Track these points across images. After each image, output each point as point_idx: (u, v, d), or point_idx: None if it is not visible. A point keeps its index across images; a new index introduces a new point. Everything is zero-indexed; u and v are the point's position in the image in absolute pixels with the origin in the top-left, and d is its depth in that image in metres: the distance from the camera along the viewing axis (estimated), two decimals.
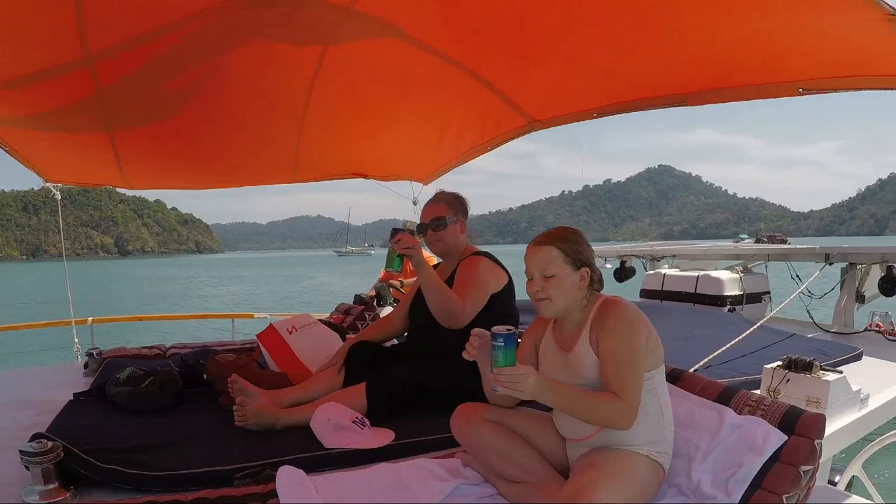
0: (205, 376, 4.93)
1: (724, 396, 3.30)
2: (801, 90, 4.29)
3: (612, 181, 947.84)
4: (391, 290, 8.21)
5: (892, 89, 3.92)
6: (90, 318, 9.60)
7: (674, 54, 4.62)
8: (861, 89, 4.08)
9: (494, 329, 2.78)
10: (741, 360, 5.34)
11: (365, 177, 8.72)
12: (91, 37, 4.65)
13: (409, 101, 6.62)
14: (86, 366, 6.18)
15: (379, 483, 3.09)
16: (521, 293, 4.21)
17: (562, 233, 3.00)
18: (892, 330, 8.45)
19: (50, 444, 3.20)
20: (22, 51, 4.78)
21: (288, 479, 2.99)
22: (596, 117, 5.91)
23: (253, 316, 11.22)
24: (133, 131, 6.40)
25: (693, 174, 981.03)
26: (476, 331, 3.02)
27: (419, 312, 4.62)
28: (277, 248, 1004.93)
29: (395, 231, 4.39)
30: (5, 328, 11.28)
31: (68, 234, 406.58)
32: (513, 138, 6.96)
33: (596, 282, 3.00)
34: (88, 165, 7.54)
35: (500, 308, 4.46)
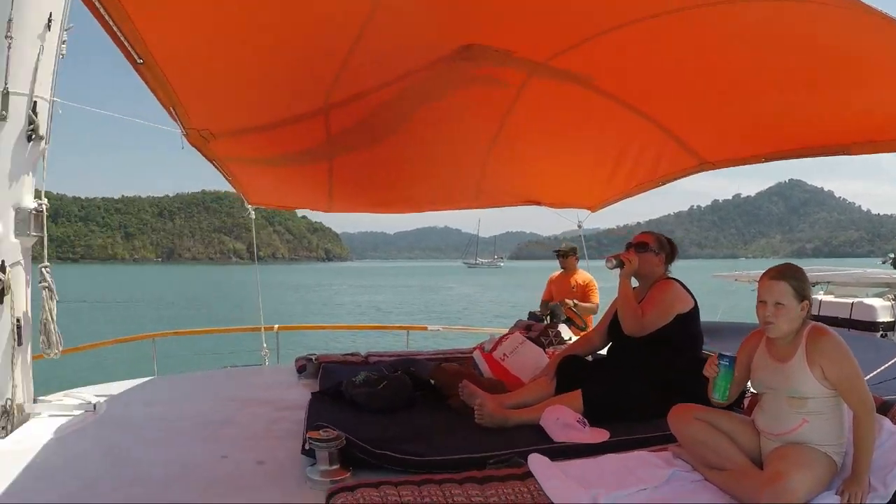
0: (432, 381, 5.70)
1: (883, 408, 4.00)
2: None
3: (742, 196, 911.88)
4: (564, 308, 8.61)
5: None
6: (276, 326, 10.45)
7: (846, 104, 5.03)
8: None
9: (721, 352, 3.68)
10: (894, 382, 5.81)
11: (539, 204, 9.36)
12: (337, 89, 5.42)
13: (586, 139, 7.21)
14: (301, 369, 6.92)
15: (610, 468, 3.81)
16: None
17: (791, 270, 3.71)
18: None
19: (334, 432, 3.99)
20: (279, 100, 5.60)
21: (539, 463, 3.72)
22: (764, 161, 6.32)
23: (426, 328, 12.00)
24: (349, 167, 7.18)
25: (825, 189, 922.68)
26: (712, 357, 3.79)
27: (618, 331, 5.36)
28: (405, 257, 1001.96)
29: (628, 245, 5.42)
30: (195, 332, 12.32)
31: (202, 239, 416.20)
32: (682, 176, 7.43)
33: (810, 312, 3.69)
34: (298, 195, 8.35)
35: (689, 327, 5.21)
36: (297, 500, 3.71)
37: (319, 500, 3.47)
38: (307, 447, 4.04)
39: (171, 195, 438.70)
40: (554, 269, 9.77)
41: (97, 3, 3.26)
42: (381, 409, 5.11)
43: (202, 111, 5.30)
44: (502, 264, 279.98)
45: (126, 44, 3.72)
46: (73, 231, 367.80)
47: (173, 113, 5.00)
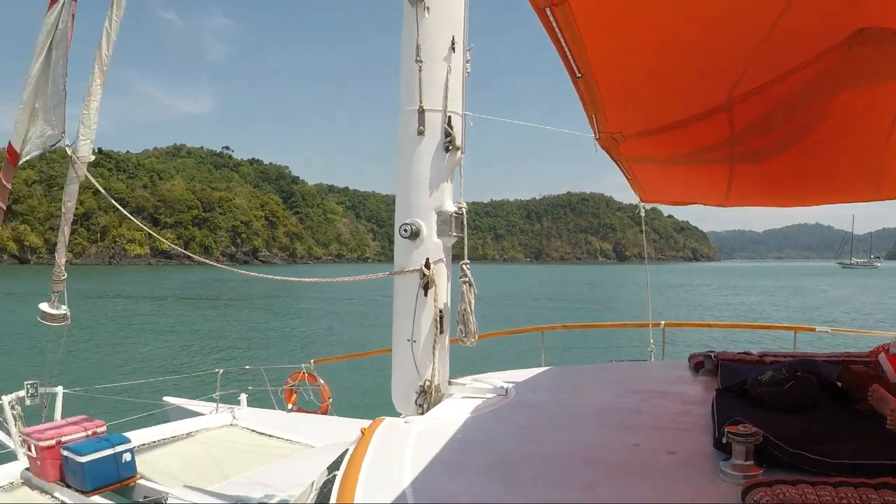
0: (838, 383, 5.60)
1: None
2: None
3: None
4: None
5: None
6: (663, 322, 10.81)
7: None
8: None
9: None
10: None
11: None
12: (742, 83, 5.50)
13: None
14: (698, 365, 6.99)
15: None
16: None
17: None
18: None
19: (752, 428, 4.04)
20: (687, 98, 5.79)
21: None
22: None
23: (814, 329, 11.72)
24: (749, 165, 7.21)
25: None
26: None
27: None
28: (773, 257, 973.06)
29: None
30: (584, 326, 12.87)
31: (569, 240, 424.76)
32: None
33: None
34: (694, 191, 8.50)
35: None
36: (710, 491, 3.80)
37: (732, 494, 3.58)
38: (724, 441, 4.11)
39: (537, 198, 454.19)
40: None
41: (554, 26, 3.56)
42: (789, 409, 5.12)
43: (618, 116, 5.66)
44: (879, 265, 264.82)
45: (571, 60, 4.05)
46: None
47: (593, 119, 5.36)
